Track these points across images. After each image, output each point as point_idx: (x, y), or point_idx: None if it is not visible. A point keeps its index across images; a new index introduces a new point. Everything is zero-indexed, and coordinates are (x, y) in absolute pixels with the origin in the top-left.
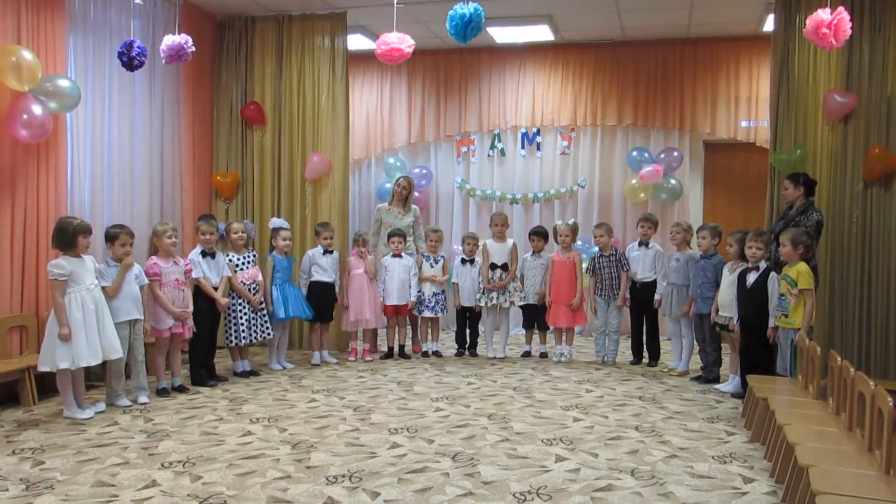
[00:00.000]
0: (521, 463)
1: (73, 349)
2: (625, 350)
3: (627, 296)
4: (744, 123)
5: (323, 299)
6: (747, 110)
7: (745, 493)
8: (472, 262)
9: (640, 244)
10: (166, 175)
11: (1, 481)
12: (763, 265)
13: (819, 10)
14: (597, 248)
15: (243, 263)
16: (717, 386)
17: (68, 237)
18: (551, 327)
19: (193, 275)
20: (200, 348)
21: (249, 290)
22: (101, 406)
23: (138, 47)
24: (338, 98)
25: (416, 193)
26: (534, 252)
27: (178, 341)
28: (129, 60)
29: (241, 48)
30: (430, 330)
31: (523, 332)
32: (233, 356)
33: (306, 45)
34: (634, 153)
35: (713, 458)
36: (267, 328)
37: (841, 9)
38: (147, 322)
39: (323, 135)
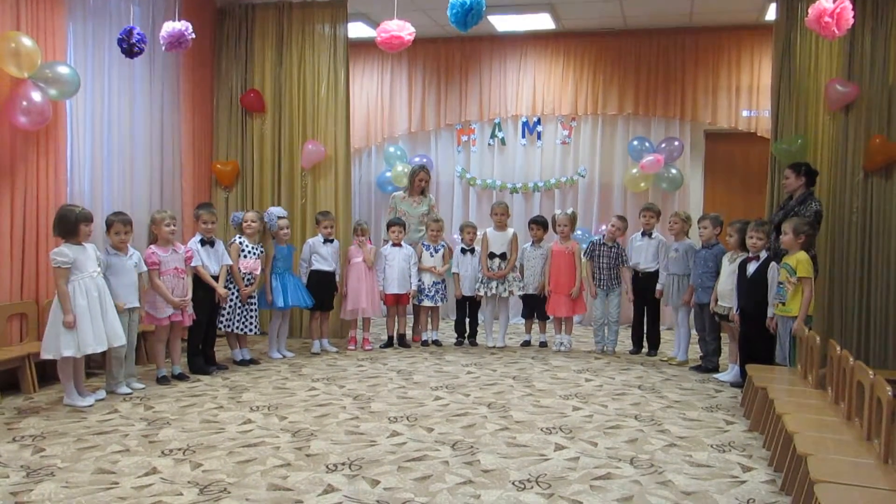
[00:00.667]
0: (521, 451)
1: (77, 337)
2: (624, 339)
3: (630, 288)
4: (745, 113)
5: (323, 288)
6: (748, 100)
7: (743, 482)
8: (472, 251)
9: (644, 234)
10: (166, 163)
11: (1, 468)
12: (763, 255)
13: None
14: (597, 237)
15: (250, 251)
16: (716, 375)
17: (70, 225)
18: (551, 317)
19: (192, 263)
20: (200, 336)
21: (244, 279)
22: (102, 394)
23: (138, 34)
24: (338, 86)
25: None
26: (533, 242)
27: (177, 329)
28: (129, 47)
29: (241, 35)
30: (429, 319)
31: (523, 321)
32: (231, 345)
33: (306, 32)
34: (635, 142)
35: (712, 446)
36: (250, 322)
37: None
38: (141, 309)
39: (323, 123)
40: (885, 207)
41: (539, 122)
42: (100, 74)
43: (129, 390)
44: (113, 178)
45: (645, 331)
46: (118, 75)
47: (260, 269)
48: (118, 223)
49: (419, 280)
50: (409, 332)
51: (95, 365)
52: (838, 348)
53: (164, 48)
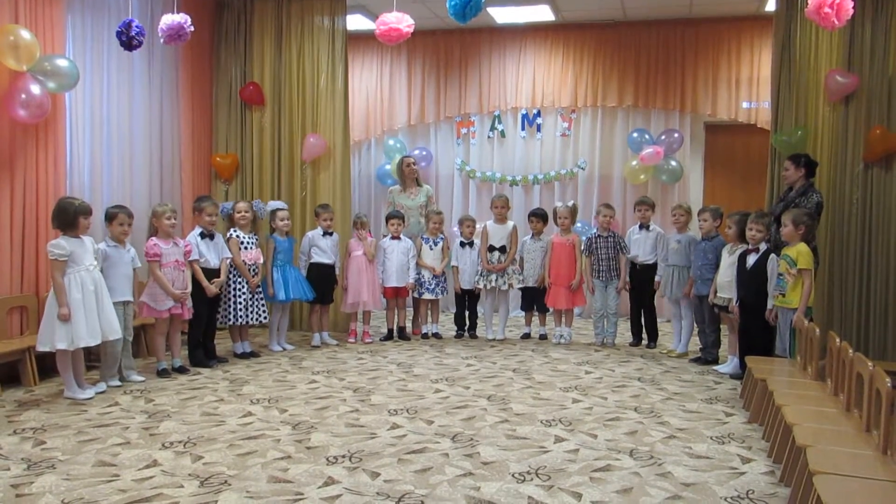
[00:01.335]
0: (521, 443)
1: (72, 329)
2: (624, 332)
3: (627, 279)
4: (745, 104)
5: (323, 281)
6: (748, 91)
7: (743, 473)
8: (471, 244)
9: (641, 227)
10: (165, 156)
11: (2, 461)
12: (763, 247)
13: None
14: (594, 231)
15: (248, 243)
16: (715, 367)
17: (69, 218)
18: (551, 309)
19: (191, 257)
20: (197, 329)
21: (250, 270)
22: (102, 386)
23: (137, 27)
24: (337, 79)
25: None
26: (533, 235)
27: (177, 322)
28: (128, 40)
29: (240, 28)
30: (429, 312)
31: (523, 313)
32: (233, 337)
33: (305, 25)
34: (635, 135)
35: (711, 438)
36: (263, 311)
37: None
38: (135, 304)
39: (322, 116)
40: (885, 198)
41: (539, 114)
42: (99, 67)
43: (118, 382)
44: (112, 170)
45: (644, 323)
46: (117, 68)
47: (261, 257)
48: (122, 215)
49: (418, 273)
50: (408, 325)
51: (96, 358)
52: (838, 340)
53: (162, 41)
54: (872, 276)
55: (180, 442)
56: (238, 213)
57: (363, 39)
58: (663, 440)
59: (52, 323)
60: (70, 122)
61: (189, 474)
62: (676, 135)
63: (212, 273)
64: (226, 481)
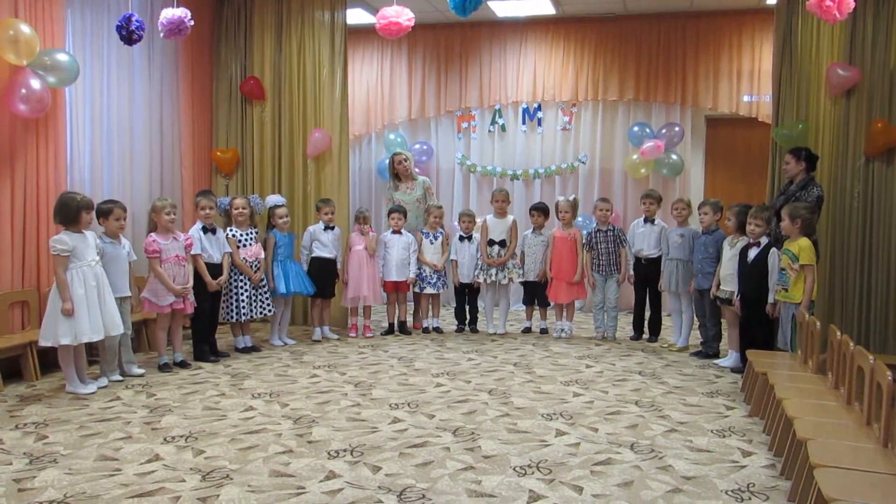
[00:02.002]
0: (522, 437)
1: (75, 325)
2: (625, 325)
3: (631, 272)
4: (746, 98)
5: (324, 275)
6: (749, 85)
7: (743, 467)
8: (469, 238)
9: (646, 220)
10: (166, 151)
11: (5, 455)
12: (764, 241)
13: None
14: (593, 225)
15: (246, 239)
16: (716, 361)
17: (72, 213)
18: (552, 303)
19: (192, 251)
20: (202, 324)
21: (251, 266)
22: (104, 381)
23: (137, 21)
24: (337, 73)
25: (417, 169)
26: (534, 229)
27: (179, 317)
28: (128, 34)
29: (240, 22)
30: (430, 306)
31: (523, 307)
32: (234, 332)
33: (306, 19)
34: (636, 128)
35: (712, 432)
36: (268, 304)
37: None
38: (133, 298)
39: (323, 110)
40: (886, 192)
41: (539, 108)
42: (99, 62)
43: (119, 377)
44: (113, 165)
45: (647, 317)
46: (117, 63)
47: (262, 252)
48: (118, 209)
49: (419, 268)
50: (409, 320)
51: (95, 353)
52: (838, 333)
53: (162, 35)
54: (873, 269)
55: (182, 436)
56: (235, 209)
57: (363, 33)
58: (664, 434)
59: (54, 318)
60: (70, 116)
61: (191, 468)
62: (677, 128)
63: (214, 268)
64: (227, 475)
